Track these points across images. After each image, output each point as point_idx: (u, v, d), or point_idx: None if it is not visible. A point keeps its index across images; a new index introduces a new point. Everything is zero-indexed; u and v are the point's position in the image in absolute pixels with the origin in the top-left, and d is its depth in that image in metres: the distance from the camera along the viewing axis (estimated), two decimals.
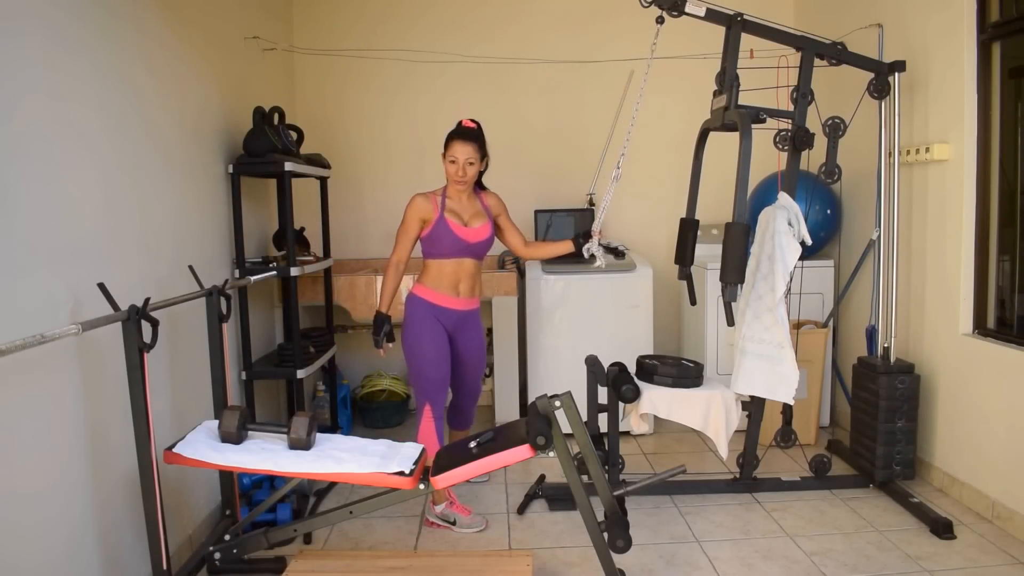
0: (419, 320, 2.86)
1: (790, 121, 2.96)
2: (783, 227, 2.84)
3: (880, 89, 3.14)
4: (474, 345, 3.01)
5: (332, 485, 3.25)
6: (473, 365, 3.04)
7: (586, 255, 2.95)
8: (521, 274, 4.04)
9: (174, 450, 2.12)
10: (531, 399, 3.05)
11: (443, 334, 2.89)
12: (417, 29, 4.40)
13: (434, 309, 2.87)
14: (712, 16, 2.85)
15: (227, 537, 2.42)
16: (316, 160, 3.62)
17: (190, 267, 2.57)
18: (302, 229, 3.64)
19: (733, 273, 2.68)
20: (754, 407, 3.13)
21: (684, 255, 3.25)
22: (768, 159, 3.33)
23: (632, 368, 3.13)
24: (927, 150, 3.13)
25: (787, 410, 3.15)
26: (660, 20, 2.82)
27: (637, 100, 2.88)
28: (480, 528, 2.89)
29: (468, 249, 2.87)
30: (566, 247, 2.99)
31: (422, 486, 2.20)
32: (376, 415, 4.25)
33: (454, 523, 2.89)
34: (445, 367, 2.89)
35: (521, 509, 3.05)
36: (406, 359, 2.91)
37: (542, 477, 3.24)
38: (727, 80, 2.87)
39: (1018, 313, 2.94)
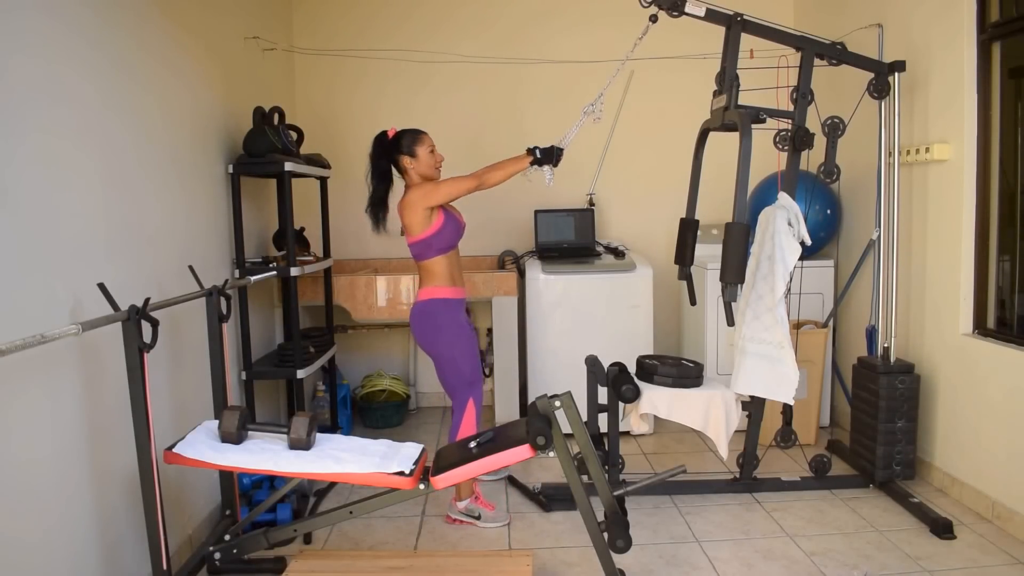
0: (448, 322, 2.85)
1: (790, 121, 2.96)
2: (783, 227, 2.84)
3: (880, 89, 3.14)
4: (474, 330, 3.06)
5: (332, 485, 3.25)
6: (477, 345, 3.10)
7: (537, 172, 2.94)
8: (521, 274, 4.04)
9: (174, 450, 2.12)
10: (531, 399, 3.05)
11: (467, 326, 2.93)
12: (417, 29, 4.40)
13: (456, 305, 2.89)
14: (712, 16, 2.85)
15: (227, 537, 2.42)
16: (316, 160, 3.62)
17: (190, 267, 2.57)
18: (302, 229, 3.64)
19: (733, 273, 2.68)
20: (754, 407, 3.13)
21: (684, 255, 3.25)
22: (768, 159, 3.33)
23: (632, 368, 3.13)
24: (927, 150, 3.13)
25: (787, 410, 3.15)
26: (654, 19, 2.82)
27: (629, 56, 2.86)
28: (504, 523, 2.91)
29: (462, 234, 2.95)
30: (522, 163, 2.91)
31: (422, 486, 2.20)
32: (376, 415, 4.25)
33: (478, 518, 2.90)
34: (479, 358, 2.94)
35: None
36: (444, 366, 2.89)
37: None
38: (727, 80, 2.87)
39: (1018, 313, 2.94)
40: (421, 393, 4.67)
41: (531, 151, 2.89)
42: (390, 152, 2.88)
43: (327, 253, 3.89)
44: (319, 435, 2.31)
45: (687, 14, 2.83)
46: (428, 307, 2.86)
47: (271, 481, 2.95)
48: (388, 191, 2.92)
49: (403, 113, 4.45)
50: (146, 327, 1.97)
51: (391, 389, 4.32)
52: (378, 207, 2.92)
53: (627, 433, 3.66)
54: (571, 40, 4.40)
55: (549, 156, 2.89)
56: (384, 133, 2.91)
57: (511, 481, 3.34)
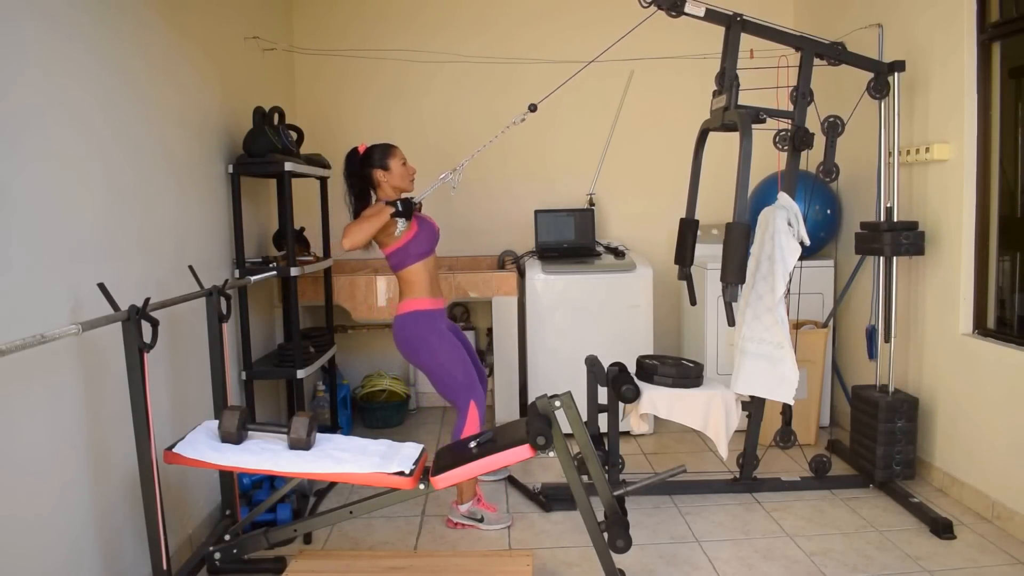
0: (430, 334, 2.83)
1: (790, 121, 2.96)
2: (783, 227, 2.84)
3: (880, 89, 3.14)
4: (460, 333, 3.06)
5: (332, 485, 3.25)
6: (470, 348, 3.07)
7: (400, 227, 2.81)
8: (521, 274, 4.04)
9: (174, 450, 2.12)
10: (531, 399, 3.05)
11: (449, 333, 2.91)
12: (417, 28, 4.40)
13: (434, 315, 2.87)
14: (711, 16, 2.85)
15: (227, 537, 2.42)
16: (316, 160, 3.62)
17: (190, 267, 2.57)
18: (302, 229, 3.64)
19: (734, 273, 2.68)
20: (754, 407, 3.13)
21: (684, 255, 3.25)
22: (768, 159, 3.33)
23: (632, 368, 3.13)
24: (927, 150, 3.13)
25: (787, 410, 3.15)
26: (651, 13, 2.82)
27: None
28: (507, 525, 2.90)
29: (437, 239, 2.95)
30: (384, 216, 2.75)
31: (422, 486, 2.20)
32: (376, 415, 4.25)
33: (481, 520, 2.89)
34: (469, 360, 2.90)
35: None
36: (436, 376, 2.87)
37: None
38: (727, 80, 2.87)
39: (1018, 313, 2.94)
40: (421, 393, 4.67)
41: (391, 203, 2.76)
42: (363, 167, 2.86)
43: (327, 253, 3.89)
44: (319, 435, 2.31)
45: (686, 14, 2.83)
46: (409, 320, 2.84)
47: (271, 481, 2.95)
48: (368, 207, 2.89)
49: (404, 113, 4.46)
50: (146, 327, 1.96)
51: (391, 389, 4.32)
52: None
53: (627, 433, 3.66)
54: (571, 40, 4.39)
55: (409, 209, 2.77)
56: (355, 150, 2.88)
57: (511, 481, 3.34)
